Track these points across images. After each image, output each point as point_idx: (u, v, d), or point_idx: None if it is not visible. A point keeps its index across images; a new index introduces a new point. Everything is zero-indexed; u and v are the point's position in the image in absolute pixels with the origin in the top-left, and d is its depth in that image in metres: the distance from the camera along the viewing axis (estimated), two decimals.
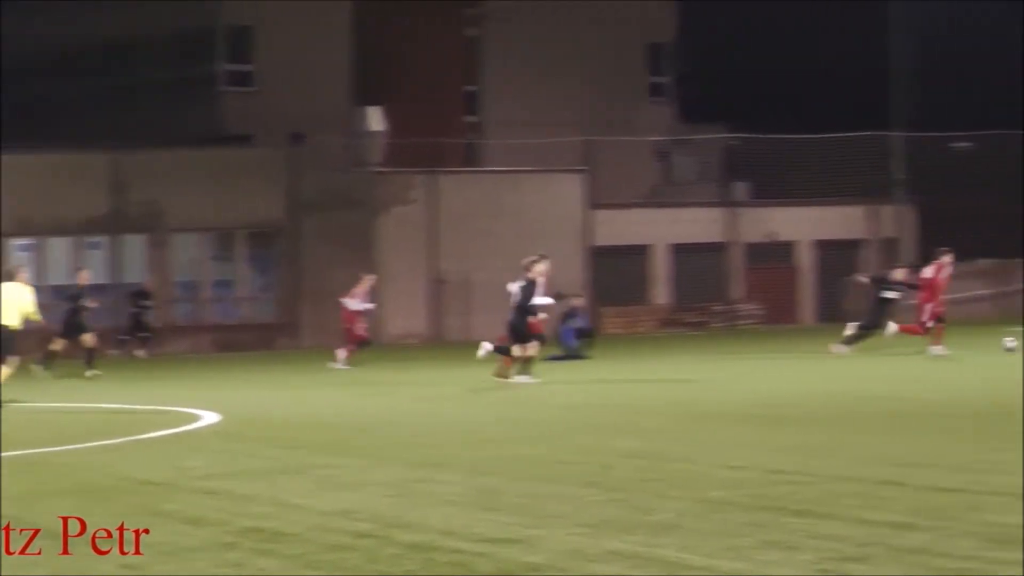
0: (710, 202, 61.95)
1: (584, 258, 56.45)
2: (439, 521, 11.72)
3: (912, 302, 35.73)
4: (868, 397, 23.16)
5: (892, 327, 34.54)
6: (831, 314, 59.37)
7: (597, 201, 57.79)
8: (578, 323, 39.33)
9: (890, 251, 61.77)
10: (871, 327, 35.23)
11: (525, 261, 28.98)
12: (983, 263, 61.25)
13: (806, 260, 61.89)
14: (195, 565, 10.38)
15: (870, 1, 62.56)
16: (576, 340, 38.50)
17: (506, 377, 28.52)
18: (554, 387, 27.44)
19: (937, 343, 33.69)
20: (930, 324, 34.01)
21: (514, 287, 29.02)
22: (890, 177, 60.39)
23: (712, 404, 22.90)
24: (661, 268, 59.19)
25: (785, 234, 61.35)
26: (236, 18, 59.90)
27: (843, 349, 34.41)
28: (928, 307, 34.15)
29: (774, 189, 61.02)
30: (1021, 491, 12.36)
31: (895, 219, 61.10)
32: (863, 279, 39.57)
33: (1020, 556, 9.65)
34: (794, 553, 10.05)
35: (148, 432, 20.37)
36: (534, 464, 15.55)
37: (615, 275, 56.80)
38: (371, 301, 39.84)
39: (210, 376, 37.25)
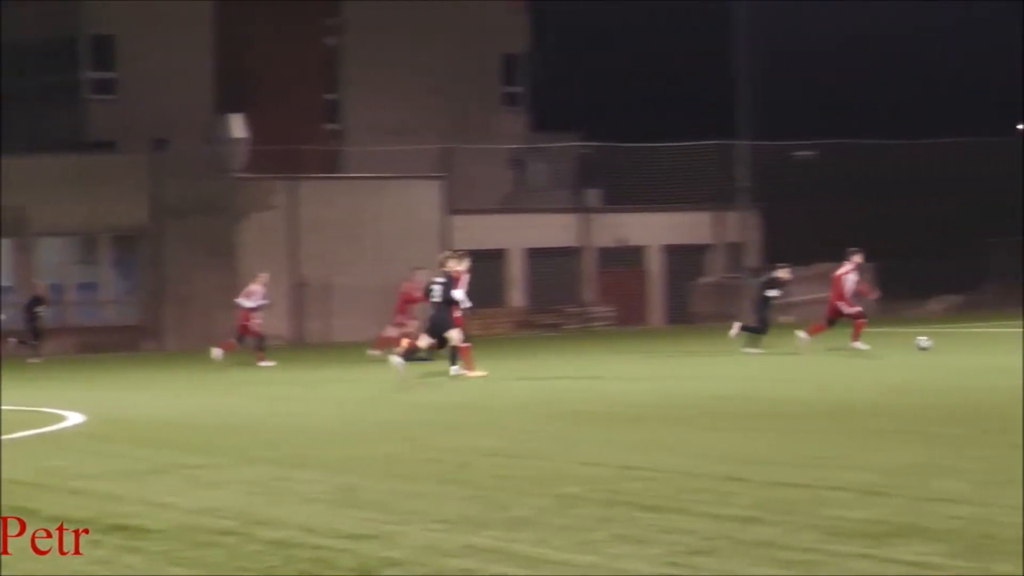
0: (563, 208, 62.21)
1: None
2: (301, 518, 11.67)
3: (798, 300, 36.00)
4: (718, 397, 23.32)
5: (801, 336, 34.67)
6: (679, 316, 59.95)
7: (455, 207, 57.81)
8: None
9: (735, 255, 62.49)
10: (762, 325, 35.68)
11: (441, 257, 29.84)
12: (823, 267, 61.96)
13: (655, 264, 62.34)
14: (60, 563, 10.26)
15: (718, 7, 63.01)
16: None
17: (470, 370, 29.17)
18: (415, 387, 27.38)
19: (856, 338, 33.93)
20: (833, 320, 34.52)
21: (436, 284, 29.48)
22: (735, 184, 60.95)
23: (567, 404, 22.95)
24: (517, 272, 59.32)
25: (635, 239, 61.79)
26: (99, 27, 59.27)
27: (753, 350, 34.85)
28: (838, 304, 34.45)
29: (625, 196, 61.41)
30: (862, 486, 12.56)
31: (740, 224, 61.68)
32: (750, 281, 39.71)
33: (861, 549, 9.79)
34: (645, 547, 10.11)
35: (12, 433, 20.05)
36: (394, 463, 15.52)
37: (472, 278, 56.70)
38: (266, 298, 39.76)
39: (75, 377, 36.74)
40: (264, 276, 40.25)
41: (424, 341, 29.63)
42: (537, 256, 59.37)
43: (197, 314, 51.86)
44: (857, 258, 34.97)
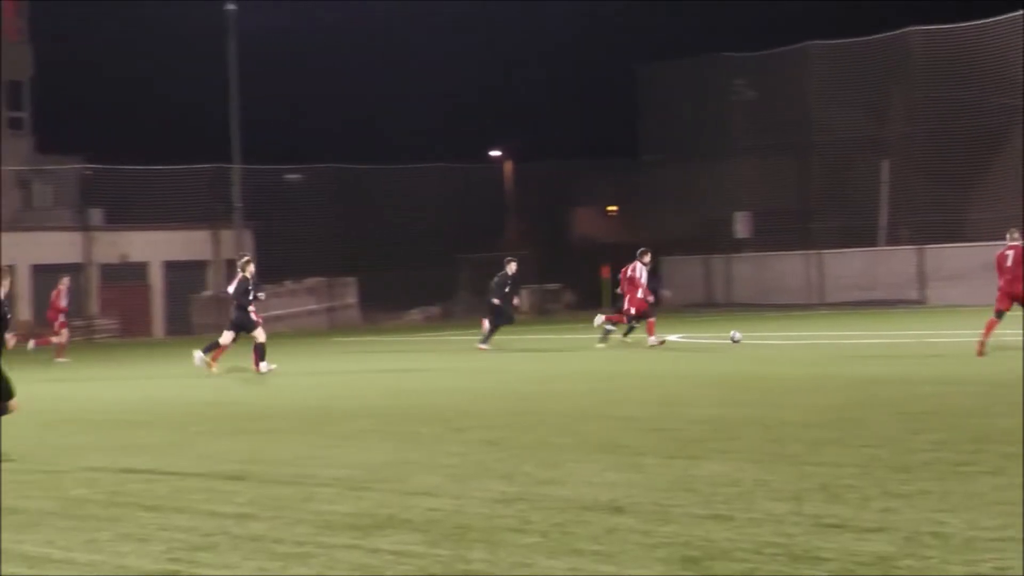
0: (68, 226, 60.78)
1: None
2: None
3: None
4: (211, 403, 23.11)
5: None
6: (181, 328, 59.17)
7: None
8: None
9: (232, 271, 62.21)
10: (505, 321, 36.61)
11: (241, 261, 30.27)
12: (313, 281, 62.45)
13: (157, 279, 61.51)
14: None
15: (214, 44, 62.56)
16: None
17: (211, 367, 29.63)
18: None
19: (651, 333, 34.00)
20: (633, 314, 34.45)
21: (231, 287, 30.11)
22: (230, 204, 60.67)
23: (70, 412, 22.29)
24: (24, 287, 57.36)
25: (137, 255, 60.85)
26: None
27: (485, 346, 35.74)
28: (629, 298, 34.35)
29: (127, 214, 60.44)
30: (348, 483, 12.63)
31: (235, 242, 61.40)
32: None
33: (349, 540, 9.83)
34: (147, 544, 9.91)
35: None
36: None
37: None
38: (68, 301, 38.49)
39: None
40: (66, 279, 41.43)
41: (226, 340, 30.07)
42: (41, 272, 57.56)
43: None
44: (646, 258, 35.06)
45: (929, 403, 17.91)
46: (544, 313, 64.36)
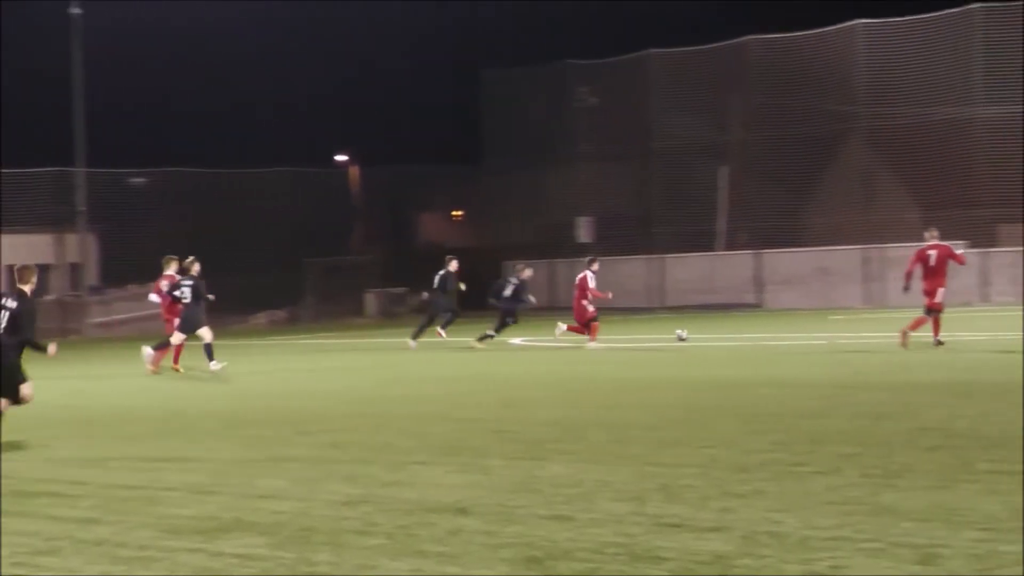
0: None
1: None
2: None
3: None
4: (58, 406, 22.72)
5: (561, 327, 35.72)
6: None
7: None
8: None
9: (76, 275, 61.28)
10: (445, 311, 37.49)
11: (186, 262, 30.02)
12: (133, 288, 61.53)
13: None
14: None
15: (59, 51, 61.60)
16: None
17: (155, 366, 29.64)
18: None
19: (593, 338, 34.20)
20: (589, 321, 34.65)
21: (184, 286, 29.69)
22: (74, 208, 59.71)
23: None
24: None
25: None
26: None
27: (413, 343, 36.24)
28: (584, 304, 34.53)
29: None
30: (192, 486, 12.50)
31: (79, 246, 60.47)
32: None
33: (192, 544, 9.73)
34: None
35: None
36: None
37: None
38: None
39: None
40: None
41: (177, 338, 29.89)
42: None
43: None
44: (596, 265, 35.47)
45: (766, 405, 18.16)
46: (390, 316, 64.22)
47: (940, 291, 28.48)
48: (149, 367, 29.82)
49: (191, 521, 10.65)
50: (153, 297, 32.17)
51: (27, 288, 16.98)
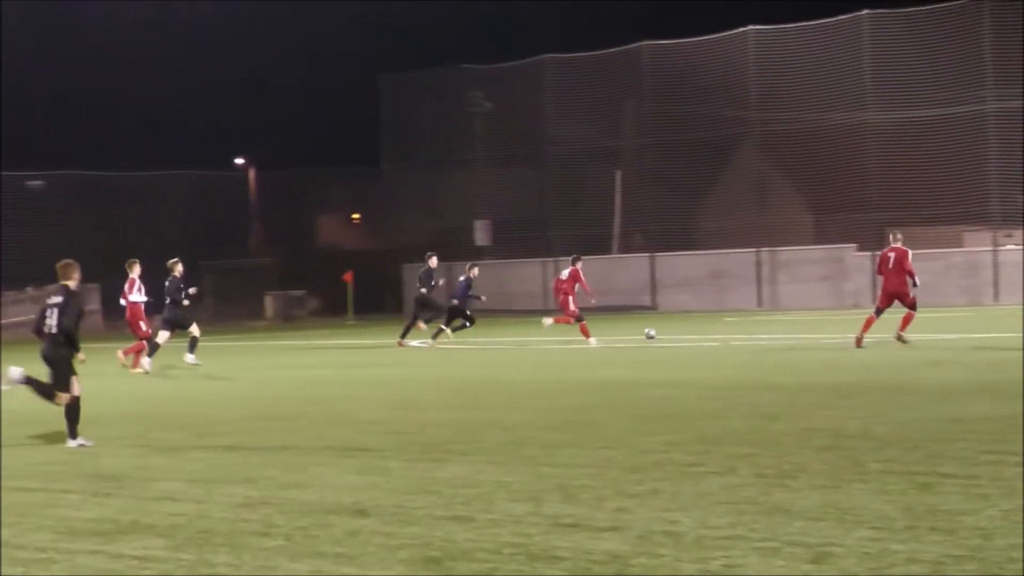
0: None
1: None
2: None
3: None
4: None
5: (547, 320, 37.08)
6: None
7: None
8: None
9: None
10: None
11: (169, 263, 31.07)
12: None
13: None
14: None
15: None
16: None
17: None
18: None
19: (587, 335, 34.69)
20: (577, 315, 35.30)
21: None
22: None
23: None
24: None
25: None
26: None
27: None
28: (570, 300, 35.31)
29: None
30: (90, 489, 12.37)
31: None
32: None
33: (92, 546, 9.64)
34: None
35: None
36: None
37: None
38: None
39: None
40: None
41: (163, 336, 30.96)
42: None
43: None
44: (579, 264, 36.19)
45: (661, 405, 18.26)
46: (289, 319, 63.92)
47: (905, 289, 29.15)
48: (138, 370, 30.13)
49: (90, 523, 10.55)
50: (123, 301, 31.92)
51: (71, 284, 17.25)
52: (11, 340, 47.10)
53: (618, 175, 65.22)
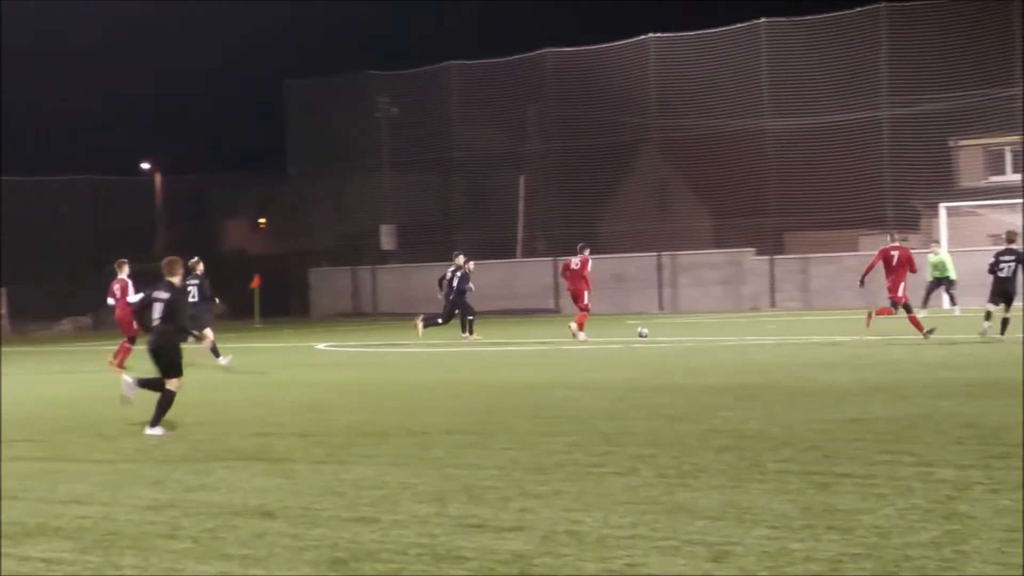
0: None
1: None
2: None
3: None
4: None
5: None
6: None
7: None
8: None
9: None
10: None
11: (191, 262, 30.25)
12: None
13: None
14: None
15: None
16: None
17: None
18: None
19: (581, 328, 35.12)
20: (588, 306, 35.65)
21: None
22: None
23: None
24: None
25: None
26: None
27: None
28: (585, 293, 35.74)
29: None
30: None
31: None
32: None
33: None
34: None
35: None
36: None
37: None
38: None
39: None
40: None
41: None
42: None
43: None
44: (587, 252, 36.18)
45: (564, 407, 18.30)
46: (194, 321, 63.34)
47: (901, 285, 30.04)
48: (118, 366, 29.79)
49: None
50: (111, 300, 31.47)
51: (175, 280, 17.65)
52: (10, 339, 46.38)
53: (522, 180, 65.33)
